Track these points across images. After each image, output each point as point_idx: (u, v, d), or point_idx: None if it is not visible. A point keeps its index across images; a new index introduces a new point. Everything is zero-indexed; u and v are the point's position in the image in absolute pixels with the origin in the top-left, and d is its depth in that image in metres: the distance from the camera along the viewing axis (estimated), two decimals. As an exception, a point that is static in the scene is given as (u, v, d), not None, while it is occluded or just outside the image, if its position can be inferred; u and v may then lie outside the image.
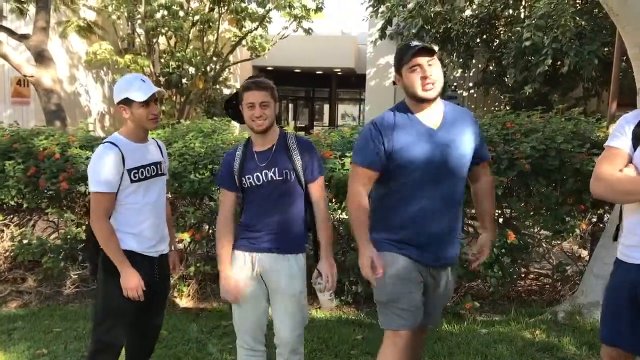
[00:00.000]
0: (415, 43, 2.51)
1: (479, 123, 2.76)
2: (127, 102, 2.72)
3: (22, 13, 9.77)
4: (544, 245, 4.80)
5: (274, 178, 2.69)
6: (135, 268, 2.71)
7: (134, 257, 2.74)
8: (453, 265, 2.77)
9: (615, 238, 2.50)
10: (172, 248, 3.11)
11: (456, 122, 2.60)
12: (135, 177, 2.73)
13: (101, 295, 2.80)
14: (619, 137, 2.26)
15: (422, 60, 2.46)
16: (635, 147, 2.22)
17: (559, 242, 4.75)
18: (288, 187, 2.72)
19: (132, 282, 2.68)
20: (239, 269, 2.74)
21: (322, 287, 2.73)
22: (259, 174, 2.70)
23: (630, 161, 2.23)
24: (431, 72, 2.46)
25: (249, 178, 2.72)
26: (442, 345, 3.85)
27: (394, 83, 2.65)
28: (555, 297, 4.74)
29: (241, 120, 2.80)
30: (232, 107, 2.83)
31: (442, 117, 2.58)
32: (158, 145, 2.98)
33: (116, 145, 2.71)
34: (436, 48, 10.26)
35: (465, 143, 2.57)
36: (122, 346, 2.87)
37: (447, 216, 2.57)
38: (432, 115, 2.57)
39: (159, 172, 2.88)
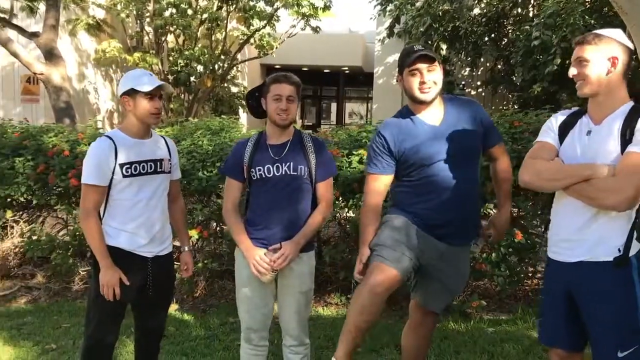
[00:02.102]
0: (418, 47, 2.62)
1: (484, 110, 2.84)
2: (131, 93, 2.71)
3: (32, 11, 9.81)
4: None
5: (288, 172, 2.72)
6: (121, 266, 2.68)
7: (121, 255, 2.71)
8: (467, 247, 2.85)
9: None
10: (185, 248, 3.10)
11: (459, 115, 2.69)
12: (127, 172, 2.69)
13: (92, 292, 2.78)
14: (547, 132, 2.39)
15: (422, 66, 2.58)
16: (561, 141, 2.34)
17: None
18: (300, 184, 2.75)
19: (106, 278, 2.64)
20: (250, 268, 2.73)
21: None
22: (270, 166, 2.71)
23: (557, 154, 2.33)
24: (429, 78, 2.59)
25: (259, 170, 2.73)
26: (449, 343, 3.85)
27: (397, 81, 2.77)
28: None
29: (259, 114, 2.84)
30: (254, 99, 2.86)
31: (444, 113, 2.68)
32: (167, 144, 2.95)
33: (111, 139, 2.71)
34: (444, 47, 10.24)
35: (470, 133, 2.66)
36: (114, 343, 2.85)
37: (462, 206, 2.66)
38: (434, 113, 2.68)
39: (158, 170, 2.82)
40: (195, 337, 4.04)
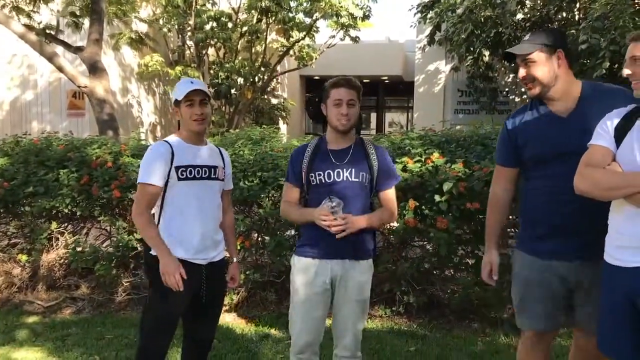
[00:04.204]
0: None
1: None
2: (177, 103, 2.77)
3: (77, 27, 10.06)
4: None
5: (350, 178, 2.66)
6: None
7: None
8: None
9: None
10: (234, 260, 3.07)
11: None
12: (182, 175, 2.72)
13: (149, 302, 2.80)
14: (601, 134, 2.19)
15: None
16: (618, 144, 2.14)
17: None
18: (360, 190, 2.69)
19: (168, 266, 2.61)
20: (309, 277, 2.67)
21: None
22: (330, 171, 2.66)
23: (614, 159, 2.14)
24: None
25: (319, 174, 2.68)
26: (500, 358, 3.69)
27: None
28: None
29: (319, 119, 2.79)
30: (313, 105, 2.83)
31: None
32: (221, 154, 2.97)
33: (168, 143, 2.76)
34: (486, 53, 10.03)
35: None
36: (166, 353, 2.84)
37: None
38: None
39: (212, 176, 2.83)
40: (238, 350, 3.98)
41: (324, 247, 2.66)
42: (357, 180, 2.67)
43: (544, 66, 2.43)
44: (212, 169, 2.84)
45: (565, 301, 2.55)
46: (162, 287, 2.68)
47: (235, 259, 3.08)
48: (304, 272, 2.70)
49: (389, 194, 2.78)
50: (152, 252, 2.72)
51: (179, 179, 2.72)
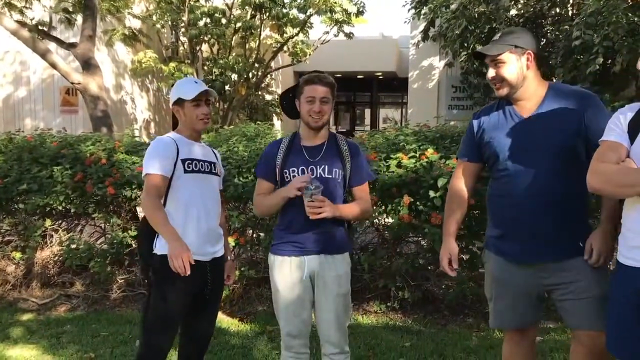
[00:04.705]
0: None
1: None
2: (179, 102, 2.79)
3: (70, 23, 9.99)
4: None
5: (323, 175, 2.66)
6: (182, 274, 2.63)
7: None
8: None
9: None
10: (229, 257, 3.07)
11: None
12: (189, 167, 2.75)
13: (152, 299, 2.77)
14: (614, 130, 2.11)
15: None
16: (632, 140, 2.07)
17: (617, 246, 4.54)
18: (334, 186, 2.68)
19: (176, 249, 2.55)
20: (286, 274, 2.69)
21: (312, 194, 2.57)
22: (304, 167, 2.67)
23: (628, 155, 2.07)
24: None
25: (293, 171, 2.69)
26: (495, 353, 3.71)
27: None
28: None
29: (293, 115, 2.80)
30: (287, 100, 2.83)
31: None
32: (214, 153, 3.02)
33: (171, 138, 2.81)
34: (479, 48, 10.05)
35: None
36: (168, 351, 2.83)
37: None
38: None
39: (213, 171, 2.89)
40: (233, 346, 3.99)
41: (299, 243, 2.68)
42: (331, 176, 2.68)
43: (513, 67, 2.43)
44: (212, 165, 2.90)
45: (538, 301, 2.56)
46: (165, 286, 2.68)
47: (229, 257, 3.08)
48: (281, 269, 2.72)
49: (362, 190, 2.78)
50: (156, 252, 2.72)
51: (186, 171, 2.74)
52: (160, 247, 2.71)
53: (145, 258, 2.81)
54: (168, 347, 2.81)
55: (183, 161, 2.74)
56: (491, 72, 2.48)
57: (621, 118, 2.12)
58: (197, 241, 2.73)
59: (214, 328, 3.04)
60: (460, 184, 2.69)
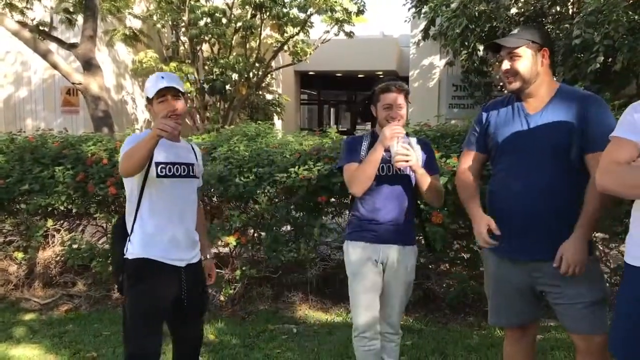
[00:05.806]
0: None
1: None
2: (149, 101, 2.68)
3: (70, 23, 10.00)
4: (601, 248, 4.60)
5: (399, 172, 2.83)
6: (155, 279, 2.61)
7: (154, 267, 2.62)
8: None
9: None
10: (207, 256, 3.00)
11: None
12: (162, 172, 2.62)
13: (128, 306, 2.67)
14: (626, 126, 1.99)
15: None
16: None
17: (616, 244, 4.55)
18: (408, 181, 2.88)
19: (159, 125, 2.36)
20: (363, 261, 2.86)
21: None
22: (383, 164, 2.83)
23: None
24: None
25: None
26: (496, 351, 3.71)
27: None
28: (613, 301, 4.52)
29: (367, 119, 3.05)
30: (363, 106, 3.06)
31: None
32: (193, 149, 2.88)
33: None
34: (481, 48, 10.05)
35: None
36: (158, 353, 2.71)
37: None
38: None
39: (190, 174, 2.76)
40: (235, 345, 3.99)
41: (374, 233, 2.86)
42: (405, 172, 2.86)
43: (528, 62, 2.44)
44: (190, 167, 2.76)
45: (534, 298, 2.57)
46: (138, 290, 2.63)
47: (208, 255, 3.01)
48: (358, 255, 2.88)
49: (434, 179, 2.92)
50: (127, 256, 2.64)
51: (158, 175, 2.61)
52: (132, 251, 2.65)
53: (118, 263, 2.72)
54: (155, 349, 2.68)
55: (157, 165, 2.61)
56: (506, 65, 2.48)
57: (634, 114, 2.00)
58: (170, 247, 2.65)
59: (201, 331, 2.97)
60: (467, 172, 2.71)
